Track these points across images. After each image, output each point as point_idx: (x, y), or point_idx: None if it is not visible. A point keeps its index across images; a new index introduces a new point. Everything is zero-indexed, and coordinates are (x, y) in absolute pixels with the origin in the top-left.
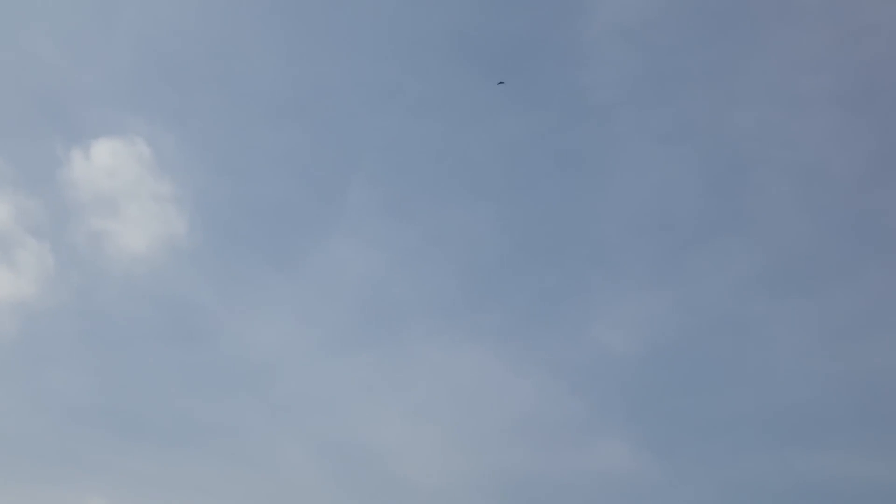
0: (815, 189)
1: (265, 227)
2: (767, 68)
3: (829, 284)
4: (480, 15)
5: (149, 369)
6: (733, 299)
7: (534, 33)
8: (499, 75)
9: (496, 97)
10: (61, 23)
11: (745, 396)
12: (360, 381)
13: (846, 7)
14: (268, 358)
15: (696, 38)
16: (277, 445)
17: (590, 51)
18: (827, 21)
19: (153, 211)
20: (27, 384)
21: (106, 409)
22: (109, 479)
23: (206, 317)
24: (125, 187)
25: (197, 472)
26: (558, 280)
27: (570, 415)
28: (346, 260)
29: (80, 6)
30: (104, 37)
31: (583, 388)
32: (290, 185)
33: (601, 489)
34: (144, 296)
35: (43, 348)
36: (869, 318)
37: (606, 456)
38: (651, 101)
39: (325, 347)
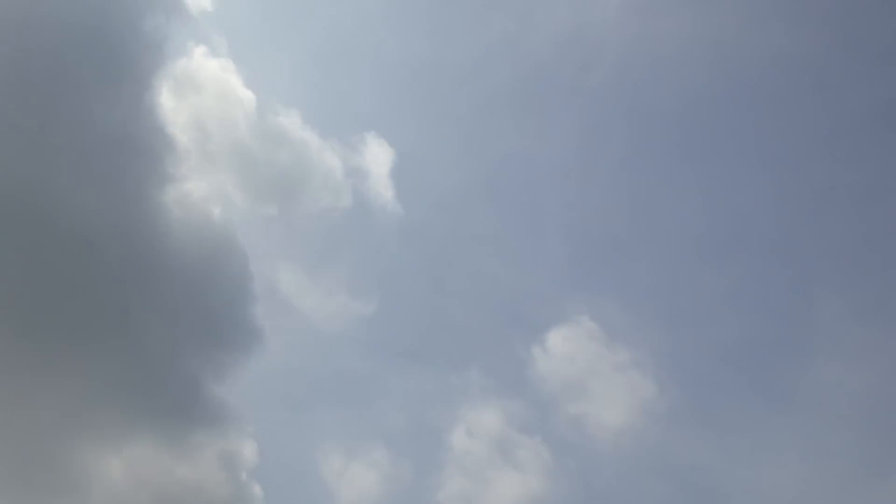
0: None
1: (738, 367)
2: None
3: None
4: None
5: None
6: None
7: None
8: None
9: None
10: (503, 238)
11: None
12: None
13: None
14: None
15: None
16: None
17: None
18: None
19: (619, 383)
20: None
21: None
22: None
23: (709, 476)
24: (587, 367)
25: None
26: None
27: None
28: (837, 380)
29: (513, 220)
30: (532, 240)
31: None
32: (744, 317)
33: None
34: (638, 467)
35: None
36: None
37: None
38: None
39: (851, 479)
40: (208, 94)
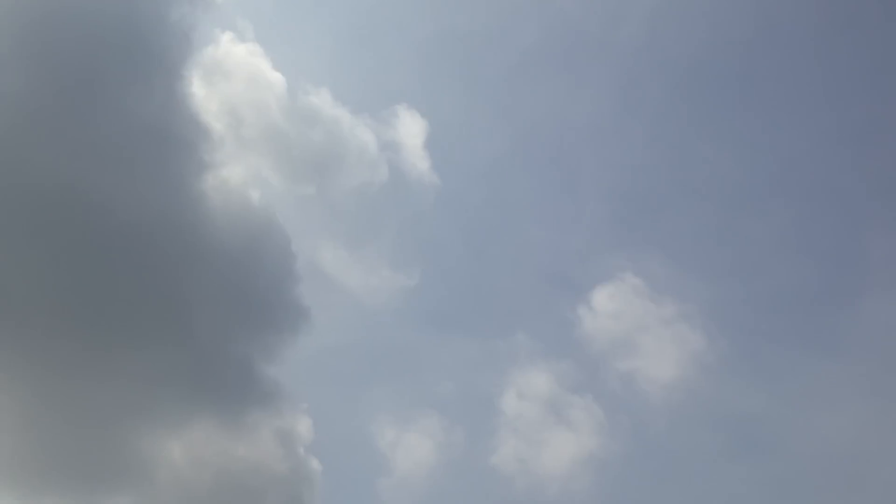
0: None
1: (787, 314)
2: None
3: None
4: None
5: (715, 491)
6: None
7: None
8: None
9: None
10: (541, 201)
11: None
12: None
13: None
14: (846, 452)
15: None
16: None
17: None
18: None
19: (667, 337)
20: None
21: None
22: None
23: (763, 425)
24: (634, 323)
25: None
26: None
27: None
28: (890, 321)
29: (550, 182)
30: (571, 200)
31: None
32: (791, 263)
33: None
34: (691, 420)
35: (621, 495)
36: None
37: None
38: None
39: None
40: (238, 80)
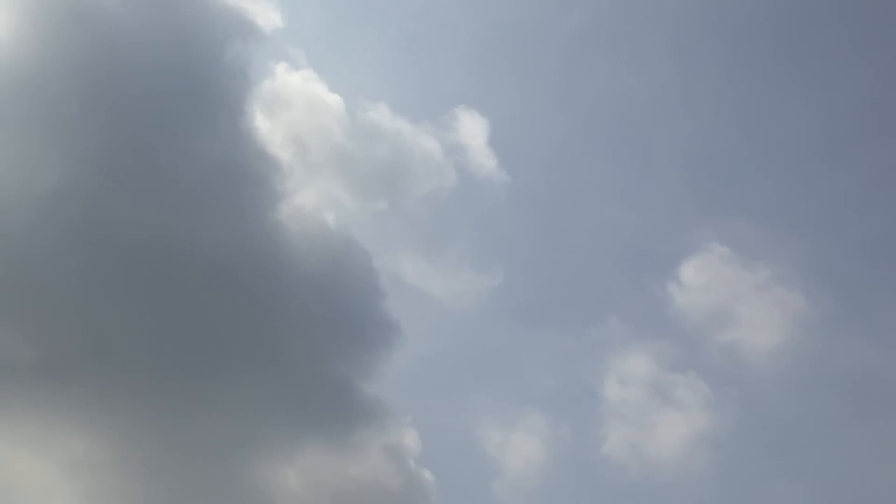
0: None
1: (887, 262)
2: None
3: None
4: None
5: (841, 456)
6: None
7: None
8: None
9: None
10: (615, 181)
11: None
12: None
13: None
14: None
15: None
16: None
17: None
18: None
19: (765, 302)
20: None
21: None
22: None
23: (880, 381)
24: (728, 293)
25: None
26: None
27: None
28: None
29: (621, 161)
30: (645, 176)
31: None
32: (881, 209)
33: None
34: (803, 384)
35: (741, 470)
36: None
37: None
38: None
39: None
40: (298, 107)
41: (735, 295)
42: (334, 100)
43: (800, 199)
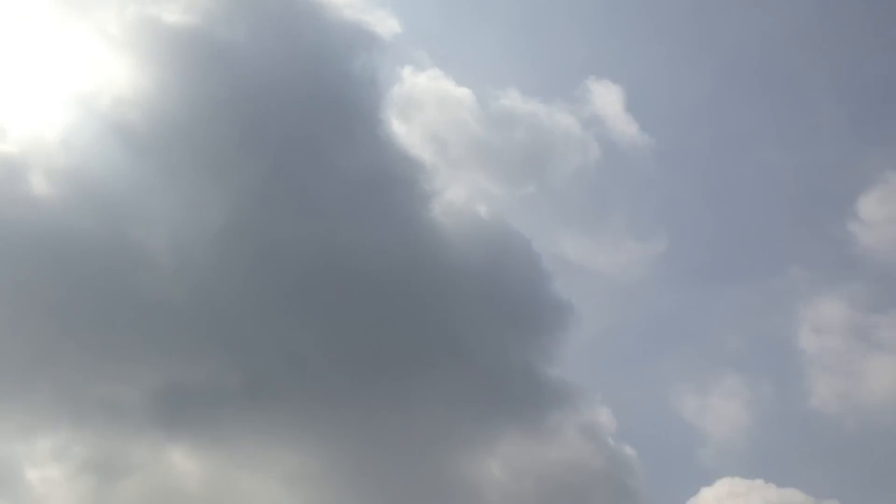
0: None
1: None
2: None
3: None
4: None
5: None
6: None
7: None
8: None
9: None
10: (767, 124)
11: None
12: None
13: None
14: None
15: None
16: None
17: None
18: None
19: None
20: None
21: None
22: None
23: None
24: None
25: None
26: None
27: None
28: None
29: (771, 101)
30: (800, 112)
31: None
32: None
33: None
34: None
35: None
36: None
37: None
38: None
39: None
40: (431, 107)
41: None
42: (464, 93)
43: None
